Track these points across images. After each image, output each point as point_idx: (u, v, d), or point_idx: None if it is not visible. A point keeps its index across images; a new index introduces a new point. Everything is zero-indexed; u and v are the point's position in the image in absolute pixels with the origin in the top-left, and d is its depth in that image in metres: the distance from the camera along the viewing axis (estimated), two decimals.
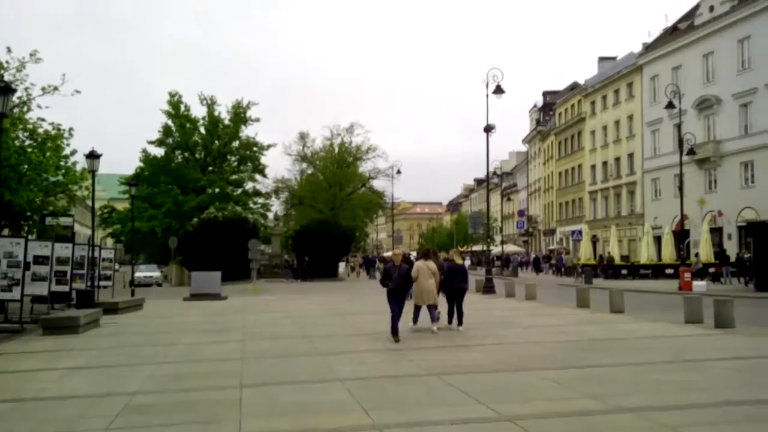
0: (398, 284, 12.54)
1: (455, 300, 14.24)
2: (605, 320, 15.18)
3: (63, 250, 21.00)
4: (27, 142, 19.34)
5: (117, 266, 61.18)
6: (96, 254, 25.92)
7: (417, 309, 13.76)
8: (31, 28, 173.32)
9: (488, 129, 27.64)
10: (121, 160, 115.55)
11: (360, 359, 10.34)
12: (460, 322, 14.03)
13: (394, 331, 12.30)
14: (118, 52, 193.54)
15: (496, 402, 7.06)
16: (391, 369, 9.37)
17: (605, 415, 6.49)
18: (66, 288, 21.09)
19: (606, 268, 42.21)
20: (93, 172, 20.98)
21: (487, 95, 26.79)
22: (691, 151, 32.75)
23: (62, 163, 22.07)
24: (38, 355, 12.02)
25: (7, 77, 16.56)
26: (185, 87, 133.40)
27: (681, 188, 30.74)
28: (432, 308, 13.51)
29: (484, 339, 12.25)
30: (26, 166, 18.52)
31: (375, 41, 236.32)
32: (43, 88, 17.91)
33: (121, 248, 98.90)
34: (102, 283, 27.03)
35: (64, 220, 24.96)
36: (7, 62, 17.99)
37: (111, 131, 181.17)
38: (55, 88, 17.85)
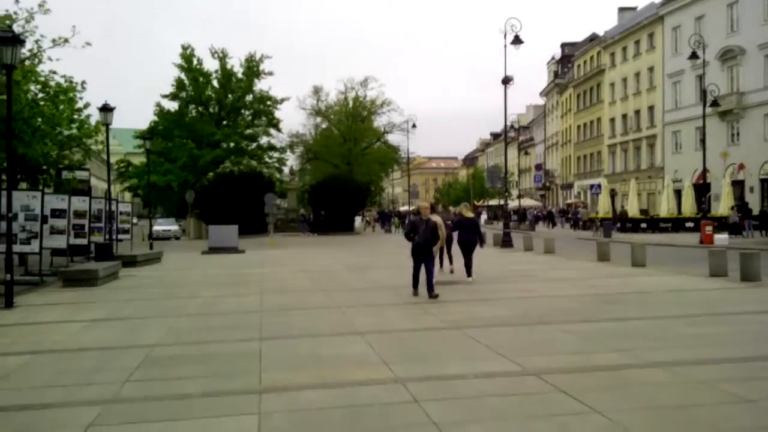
0: (426, 239, 11.65)
1: (466, 252, 14.64)
2: (627, 273, 14.95)
3: (80, 203, 21.06)
4: (39, 95, 19.06)
5: (135, 220, 61.75)
6: (113, 208, 26.03)
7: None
8: None
9: (506, 81, 27.05)
10: (138, 114, 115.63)
11: (379, 312, 10.23)
12: (468, 273, 14.44)
13: (415, 286, 11.89)
14: (128, 7, 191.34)
15: (520, 355, 6.90)
16: (412, 322, 9.25)
17: (635, 369, 6.31)
18: (84, 241, 21.22)
19: (622, 222, 41.72)
20: (107, 125, 20.80)
21: (505, 46, 26.22)
22: (715, 103, 31.93)
23: (76, 117, 21.90)
24: (57, 307, 12.04)
25: (15, 29, 16.21)
26: (198, 42, 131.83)
27: (704, 140, 30.11)
28: (438, 259, 14.41)
29: (505, 293, 12.10)
30: (39, 120, 18.30)
31: None
32: (54, 40, 17.55)
33: (139, 202, 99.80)
34: (120, 236, 27.17)
35: (80, 174, 24.81)
36: (15, 13, 17.61)
37: (126, 86, 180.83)
38: (66, 40, 17.50)
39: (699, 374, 6.04)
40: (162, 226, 47.26)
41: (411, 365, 6.65)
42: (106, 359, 7.37)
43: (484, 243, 15.74)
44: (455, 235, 15.16)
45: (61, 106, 20.72)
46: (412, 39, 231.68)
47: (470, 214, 15.63)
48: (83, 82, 21.72)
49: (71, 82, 21.66)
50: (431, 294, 11.42)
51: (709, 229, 27.79)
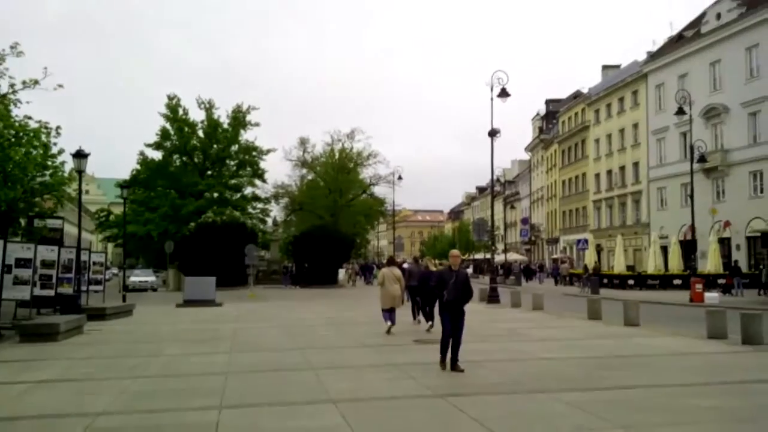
0: (456, 295, 9.68)
1: (430, 302, 14.97)
2: (621, 334, 14.14)
3: (48, 253, 20.07)
4: (11, 140, 18.30)
5: (115, 270, 60.48)
6: (85, 258, 25.03)
7: (385, 312, 14.88)
8: (28, 36, 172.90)
9: (492, 133, 26.72)
10: (126, 165, 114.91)
11: (358, 376, 9.33)
12: (427, 320, 15.31)
13: (444, 355, 9.68)
14: (114, 62, 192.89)
15: None
16: (392, 389, 8.35)
17: None
18: (51, 292, 20.15)
19: (592, 279, 41.04)
20: (80, 171, 20.06)
21: (492, 99, 25.99)
22: (702, 159, 31.80)
23: (49, 163, 21.16)
24: (5, 365, 11.01)
25: None
26: (185, 93, 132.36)
27: (692, 197, 29.83)
28: (391, 311, 14.78)
29: (494, 354, 11.24)
30: (10, 165, 17.51)
31: (374, 50, 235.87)
32: (24, 82, 16.93)
33: (120, 252, 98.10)
34: (93, 287, 26.10)
35: (52, 223, 23.92)
36: None
37: (112, 137, 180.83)
38: (36, 82, 16.88)
39: None
40: (139, 277, 45.99)
41: None
42: (42, 430, 6.43)
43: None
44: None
45: (34, 152, 20.01)
46: (398, 95, 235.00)
47: (434, 268, 16.33)
48: (58, 128, 21.07)
49: (46, 127, 21.02)
50: (455, 366, 9.51)
51: (699, 287, 27.19)
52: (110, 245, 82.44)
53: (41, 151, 20.10)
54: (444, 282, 9.80)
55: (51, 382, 9.37)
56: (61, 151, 20.68)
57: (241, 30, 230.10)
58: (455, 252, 10.38)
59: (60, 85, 17.22)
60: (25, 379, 9.54)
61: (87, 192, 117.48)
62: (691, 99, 31.04)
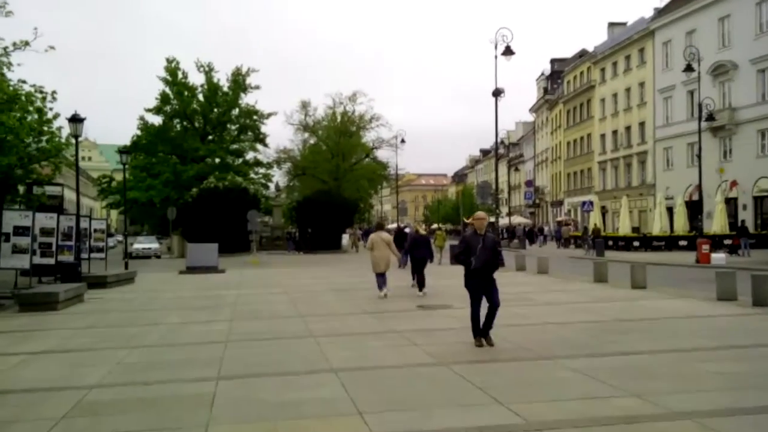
0: (486, 260, 8.72)
1: (419, 266, 15.67)
2: (628, 297, 13.91)
3: (47, 220, 19.85)
4: (5, 105, 17.86)
5: (120, 237, 60.46)
6: (86, 225, 24.82)
7: (378, 276, 15.12)
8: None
9: (497, 93, 26.21)
10: (126, 132, 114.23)
11: (359, 343, 9.13)
12: (420, 288, 15.53)
13: (477, 332, 8.80)
14: (111, 30, 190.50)
15: (520, 401, 5.84)
16: (394, 356, 8.15)
17: (660, 422, 5.25)
18: (51, 260, 19.99)
19: (597, 241, 41.02)
20: (76, 136, 19.66)
21: (496, 57, 25.47)
22: (710, 117, 31.24)
23: (45, 128, 20.78)
24: (2, 336, 10.85)
25: None
26: (183, 57, 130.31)
27: (700, 156, 29.37)
28: (383, 274, 15.03)
29: (498, 319, 10.93)
30: (4, 131, 17.13)
31: (378, 9, 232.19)
32: (14, 44, 16.40)
33: (125, 219, 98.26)
34: (95, 255, 25.94)
35: (51, 189, 23.64)
36: None
37: (115, 103, 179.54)
38: (26, 43, 16.38)
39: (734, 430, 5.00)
40: (142, 244, 45.87)
41: (390, 414, 5.58)
42: (31, 405, 6.25)
43: (433, 260, 16.97)
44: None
45: (29, 117, 19.63)
46: (400, 56, 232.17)
47: (423, 232, 17.27)
48: (53, 92, 20.62)
49: (41, 91, 20.58)
50: (487, 340, 8.69)
51: (705, 248, 26.93)
52: (114, 212, 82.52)
53: (36, 117, 19.71)
54: (470, 247, 8.70)
55: (47, 353, 9.19)
56: (56, 116, 20.26)
57: None
58: (481, 214, 9.17)
59: (51, 47, 16.74)
60: (20, 350, 9.37)
61: (90, 159, 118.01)
62: (699, 55, 30.23)
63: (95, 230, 26.46)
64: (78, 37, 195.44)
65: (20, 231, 17.57)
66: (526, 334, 9.45)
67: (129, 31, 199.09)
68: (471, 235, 8.95)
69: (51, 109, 20.96)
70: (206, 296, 16.77)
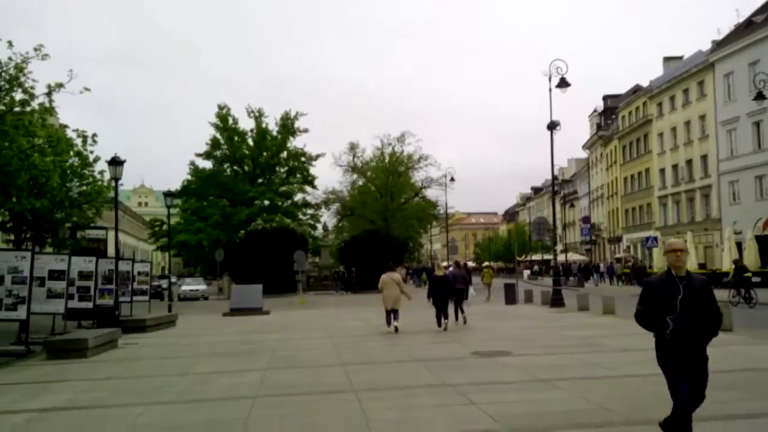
0: (692, 322, 5.46)
1: (439, 304, 16.65)
2: (715, 341, 12.12)
3: (85, 264, 19.23)
4: (35, 146, 17.33)
5: (174, 279, 60.72)
6: (129, 268, 24.24)
7: (387, 313, 16.36)
8: (81, 61, 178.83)
9: (552, 126, 24.81)
10: (180, 179, 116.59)
11: (405, 401, 7.77)
12: (439, 324, 16.55)
13: None
14: (166, 85, 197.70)
15: None
16: (447, 420, 6.77)
17: None
18: (89, 304, 19.30)
19: (638, 275, 41.05)
20: (116, 179, 19.12)
21: (550, 89, 24.24)
22: None
23: (86, 172, 20.44)
24: (19, 387, 9.92)
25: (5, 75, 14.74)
26: (233, 104, 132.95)
27: None
28: (394, 312, 16.19)
29: (568, 370, 9.51)
30: (36, 173, 16.63)
31: (421, 51, 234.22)
32: (49, 86, 15.97)
33: (179, 261, 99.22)
34: (138, 298, 25.31)
35: (94, 233, 23.23)
36: (9, 58, 15.99)
37: (171, 153, 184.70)
38: (60, 85, 15.90)
39: None
40: (189, 286, 45.45)
41: None
42: None
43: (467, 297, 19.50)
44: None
45: (69, 161, 19.29)
46: (447, 97, 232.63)
47: (441, 273, 18.20)
48: (94, 135, 20.31)
49: (83, 135, 20.28)
50: None
51: None
52: (168, 256, 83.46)
53: (77, 160, 19.36)
54: (663, 300, 5.43)
55: (57, 410, 8.16)
56: (97, 159, 19.91)
57: (283, 43, 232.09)
58: (677, 243, 5.54)
59: (86, 89, 16.23)
60: (29, 407, 8.37)
61: (146, 204, 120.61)
62: None
63: (138, 273, 25.88)
64: (135, 93, 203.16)
65: (55, 275, 16.89)
66: (605, 390, 7.94)
67: (182, 86, 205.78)
68: (661, 279, 5.55)
69: (92, 152, 20.66)
70: (245, 341, 15.68)
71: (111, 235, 25.88)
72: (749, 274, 25.59)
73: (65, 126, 19.51)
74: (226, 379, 9.99)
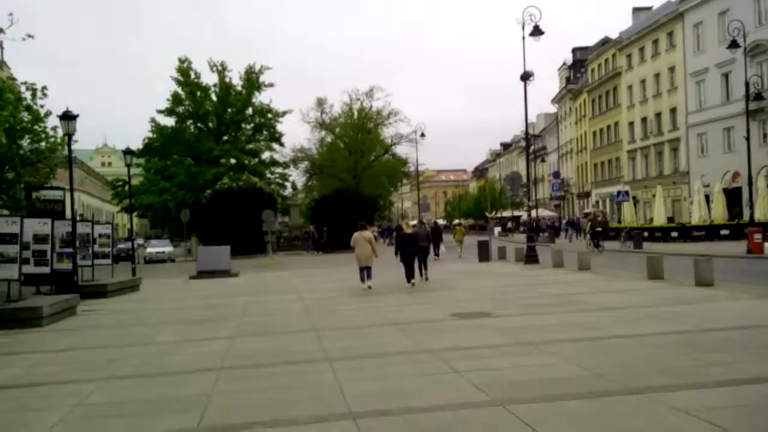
0: None
1: (407, 260, 16.97)
2: (699, 297, 11.82)
3: (41, 226, 18.20)
4: None
5: (141, 241, 59.29)
6: (88, 230, 23.20)
7: (360, 270, 16.68)
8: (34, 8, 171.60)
9: (525, 77, 24.15)
10: (139, 137, 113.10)
11: (384, 371, 7.20)
12: (408, 280, 16.89)
13: None
14: (127, 42, 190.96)
15: None
16: (431, 391, 6.22)
17: None
18: (46, 269, 18.34)
19: (604, 231, 41.31)
20: (69, 135, 17.98)
21: (523, 37, 23.41)
22: (759, 96, 28.82)
23: (37, 128, 19.21)
24: None
25: None
26: (196, 59, 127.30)
27: (748, 138, 27.07)
28: (367, 269, 16.48)
29: (553, 332, 9.03)
30: None
31: (387, 8, 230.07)
32: None
33: (146, 223, 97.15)
34: (100, 261, 24.34)
35: (50, 194, 22.03)
36: None
37: (126, 109, 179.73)
38: (0, 30, 14.68)
39: None
40: (155, 248, 44.35)
41: None
42: None
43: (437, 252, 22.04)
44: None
45: (16, 115, 18.06)
46: (414, 51, 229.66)
47: (409, 230, 18.46)
48: (44, 88, 19.10)
49: (32, 88, 19.04)
50: None
51: (757, 237, 24.72)
52: (136, 217, 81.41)
53: (24, 114, 18.14)
54: None
55: (2, 389, 7.43)
56: (48, 114, 18.68)
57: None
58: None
59: (30, 35, 15.12)
60: None
61: (110, 164, 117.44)
62: (745, 30, 27.91)
63: (100, 235, 24.85)
64: (96, 50, 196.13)
65: (7, 239, 15.88)
66: (595, 354, 7.46)
67: (145, 43, 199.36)
68: None
69: (43, 106, 19.44)
70: (212, 305, 15.01)
71: (84, 197, 24.75)
72: (599, 229, 32.45)
73: (12, 79, 18.20)
74: (190, 348, 9.33)
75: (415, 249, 17.44)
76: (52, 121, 20.06)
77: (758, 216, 34.45)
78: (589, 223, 34.33)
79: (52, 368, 8.49)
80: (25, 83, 19.23)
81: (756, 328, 8.58)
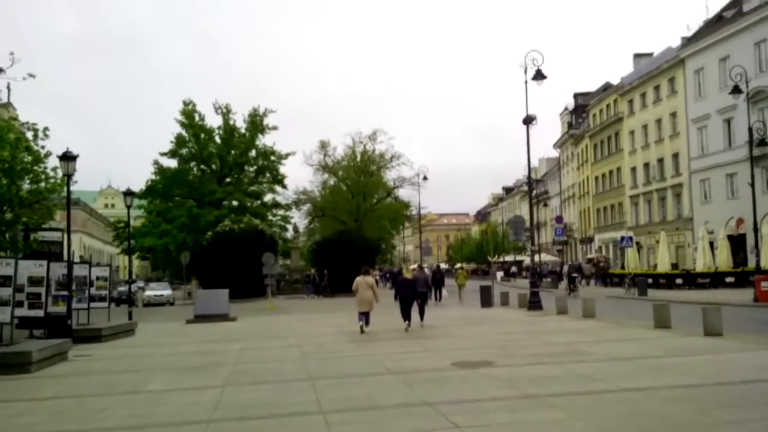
0: None
1: (405, 306, 17.20)
2: (709, 348, 11.43)
3: (36, 268, 17.92)
4: None
5: (142, 284, 58.84)
6: (85, 272, 22.90)
7: (359, 314, 16.94)
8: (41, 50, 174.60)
9: (528, 120, 24.09)
10: (144, 179, 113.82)
11: (381, 426, 6.83)
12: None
13: None
14: (130, 83, 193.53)
15: None
16: None
17: None
18: (40, 312, 17.98)
19: (604, 276, 43.83)
20: (68, 176, 17.86)
21: (526, 81, 23.43)
22: (763, 142, 28.73)
23: (37, 168, 19.12)
24: None
25: None
26: (199, 102, 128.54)
27: (753, 183, 26.88)
28: (366, 313, 16.82)
29: (557, 384, 8.66)
30: None
31: (389, 51, 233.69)
32: None
33: (147, 265, 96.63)
34: (96, 305, 23.96)
35: (48, 235, 21.82)
36: None
37: (131, 151, 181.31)
38: (0, 70, 14.71)
39: None
40: (154, 291, 43.94)
41: None
42: None
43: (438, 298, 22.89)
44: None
45: (18, 156, 17.98)
46: (417, 95, 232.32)
47: (409, 276, 18.23)
48: (45, 129, 19.06)
49: (33, 128, 19.01)
50: None
51: (765, 285, 24.31)
52: (138, 259, 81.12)
53: (25, 156, 18.05)
54: None
55: None
56: (48, 155, 18.60)
57: (249, 34, 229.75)
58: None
59: (31, 75, 15.05)
60: None
61: (113, 206, 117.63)
62: (747, 75, 28.01)
63: (97, 278, 24.53)
64: (99, 93, 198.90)
65: (0, 281, 15.63)
66: (605, 409, 7.08)
67: (147, 84, 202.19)
68: None
69: (44, 147, 19.39)
70: (206, 351, 14.60)
71: (73, 237, 24.47)
72: (576, 275, 35.64)
73: (14, 119, 18.17)
74: (179, 398, 8.95)
75: (413, 295, 17.55)
76: (53, 162, 20.01)
77: (764, 263, 34.10)
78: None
79: (35, 418, 8.12)
80: (26, 123, 19.20)
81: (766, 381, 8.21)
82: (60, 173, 19.75)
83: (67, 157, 17.64)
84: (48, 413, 8.42)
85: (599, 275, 45.97)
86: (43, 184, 19.73)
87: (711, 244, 39.72)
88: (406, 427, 6.68)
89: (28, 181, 19.50)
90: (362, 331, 16.54)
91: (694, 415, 6.63)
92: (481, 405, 7.53)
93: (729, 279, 35.58)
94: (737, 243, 39.57)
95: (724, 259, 37.85)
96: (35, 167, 18.97)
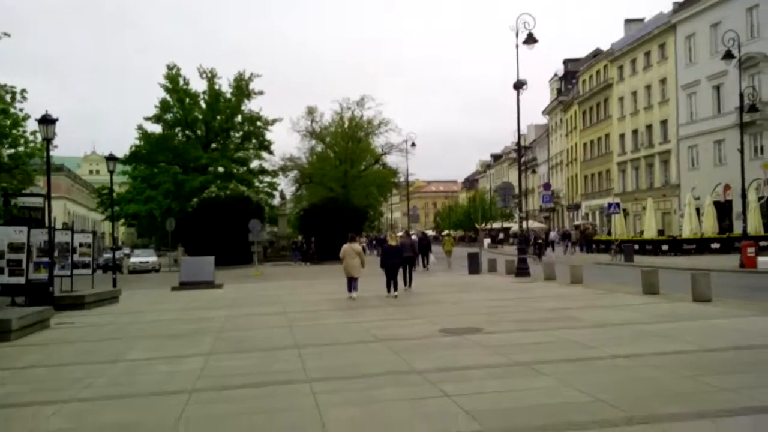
0: None
1: (390, 272, 17.12)
2: (698, 314, 11.37)
3: (16, 234, 17.54)
4: None
5: (127, 251, 58.36)
6: (68, 239, 22.52)
7: (348, 281, 17.06)
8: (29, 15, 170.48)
9: (518, 85, 23.74)
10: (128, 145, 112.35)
11: (368, 394, 6.67)
12: (389, 290, 17.11)
13: None
14: (116, 47, 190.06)
15: None
16: (419, 420, 5.71)
17: None
18: (21, 279, 17.66)
19: (587, 242, 44.98)
20: (48, 139, 17.40)
21: (517, 45, 23.04)
22: (753, 108, 28.56)
23: (15, 132, 18.62)
24: None
25: None
26: (185, 67, 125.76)
27: (741, 151, 26.78)
28: (354, 280, 16.85)
29: (549, 351, 8.53)
30: None
31: (377, 16, 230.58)
32: None
33: (133, 232, 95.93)
34: (80, 272, 23.64)
35: (29, 201, 21.39)
36: None
37: (117, 117, 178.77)
38: None
39: None
40: (139, 258, 43.50)
41: None
42: None
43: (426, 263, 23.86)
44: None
45: None
46: (406, 60, 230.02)
47: (394, 243, 18.16)
48: (23, 91, 18.50)
49: (10, 90, 18.45)
50: None
51: (750, 251, 24.41)
52: (122, 226, 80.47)
53: (3, 119, 17.55)
54: None
55: None
56: (26, 117, 18.11)
57: (233, 5, 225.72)
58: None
59: (6, 34, 14.50)
60: None
61: (98, 172, 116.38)
62: (739, 40, 27.70)
63: (80, 244, 24.16)
64: (87, 57, 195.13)
65: None
66: (595, 376, 6.96)
67: (134, 49, 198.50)
68: None
69: (22, 110, 18.87)
70: (191, 318, 14.42)
71: (55, 203, 24.01)
72: (540, 241, 36.80)
73: None
74: (162, 366, 8.75)
75: (398, 261, 17.67)
76: (33, 126, 19.53)
77: (751, 230, 34.27)
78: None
79: (14, 388, 7.91)
80: (3, 86, 18.66)
81: (761, 348, 8.12)
82: (39, 137, 19.30)
83: (47, 121, 17.18)
84: (25, 382, 8.21)
85: (584, 241, 46.21)
86: (22, 149, 19.24)
87: (697, 210, 39.89)
88: (394, 395, 6.53)
89: (6, 146, 19.01)
90: (351, 297, 16.71)
91: (685, 382, 6.52)
92: (470, 372, 7.38)
93: (714, 245, 35.81)
94: (723, 209, 39.74)
95: (710, 226, 38.06)
96: (13, 131, 18.45)
